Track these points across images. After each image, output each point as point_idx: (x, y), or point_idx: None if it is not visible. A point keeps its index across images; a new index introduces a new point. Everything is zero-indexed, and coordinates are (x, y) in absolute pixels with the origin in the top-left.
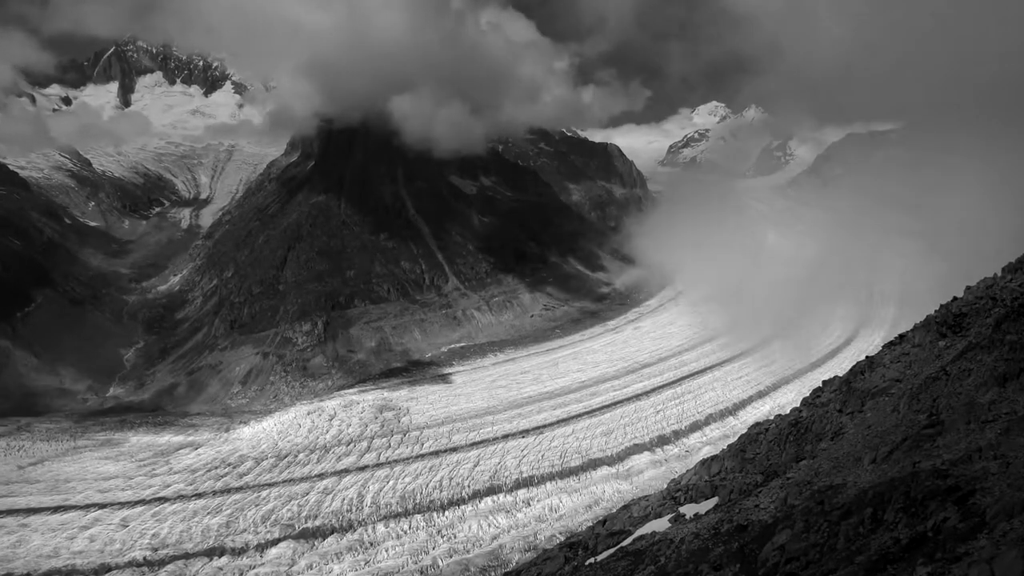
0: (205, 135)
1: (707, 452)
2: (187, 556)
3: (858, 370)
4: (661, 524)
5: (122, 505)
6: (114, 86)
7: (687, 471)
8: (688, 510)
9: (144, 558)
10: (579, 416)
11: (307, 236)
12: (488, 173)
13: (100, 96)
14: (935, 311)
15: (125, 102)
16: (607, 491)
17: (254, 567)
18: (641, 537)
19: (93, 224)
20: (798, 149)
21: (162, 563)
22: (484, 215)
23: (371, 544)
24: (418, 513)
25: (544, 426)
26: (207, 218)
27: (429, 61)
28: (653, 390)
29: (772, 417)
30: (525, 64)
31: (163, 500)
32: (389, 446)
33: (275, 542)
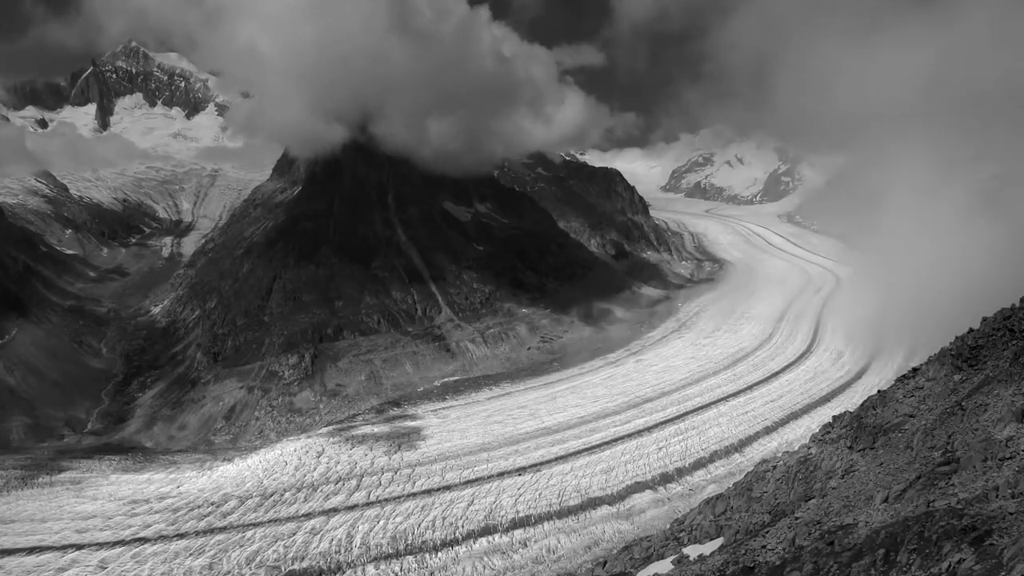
0: (187, 159)
1: (712, 491)
2: None
3: (870, 405)
4: (664, 566)
5: (100, 546)
6: (92, 108)
7: (691, 510)
8: (692, 551)
9: None
10: (578, 453)
11: (294, 265)
12: (483, 199)
13: (78, 118)
14: (950, 343)
15: (103, 124)
16: (607, 531)
17: None
18: None
19: (70, 252)
20: (807, 173)
21: None
22: (479, 243)
23: None
24: (410, 554)
25: (541, 463)
26: (189, 246)
27: (420, 78)
28: (655, 426)
29: (780, 454)
30: (523, 80)
31: (143, 540)
32: (379, 484)
33: None
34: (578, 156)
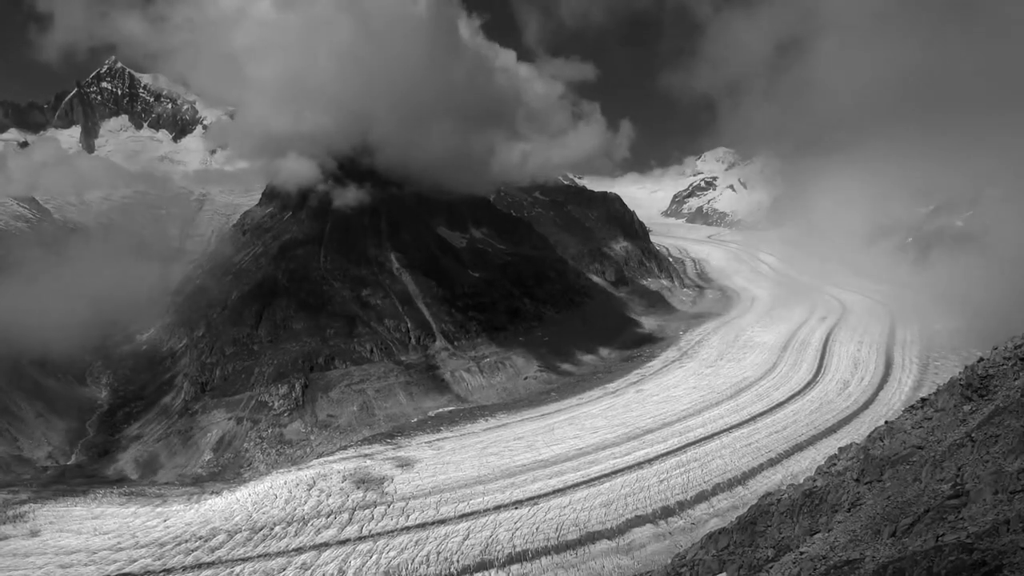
0: (175, 182)
1: (714, 524)
2: None
3: (877, 436)
4: None
5: None
6: (76, 130)
7: (693, 545)
8: None
9: None
10: (576, 486)
11: (284, 292)
12: (479, 224)
13: (62, 141)
14: (960, 373)
15: (89, 147)
16: (607, 566)
17: None
18: None
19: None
20: (813, 197)
21: None
22: (474, 269)
23: None
24: None
25: (539, 496)
26: (176, 272)
27: (417, 96)
28: (656, 458)
29: (784, 487)
30: (524, 99)
31: None
32: (372, 518)
33: None
34: (576, 180)
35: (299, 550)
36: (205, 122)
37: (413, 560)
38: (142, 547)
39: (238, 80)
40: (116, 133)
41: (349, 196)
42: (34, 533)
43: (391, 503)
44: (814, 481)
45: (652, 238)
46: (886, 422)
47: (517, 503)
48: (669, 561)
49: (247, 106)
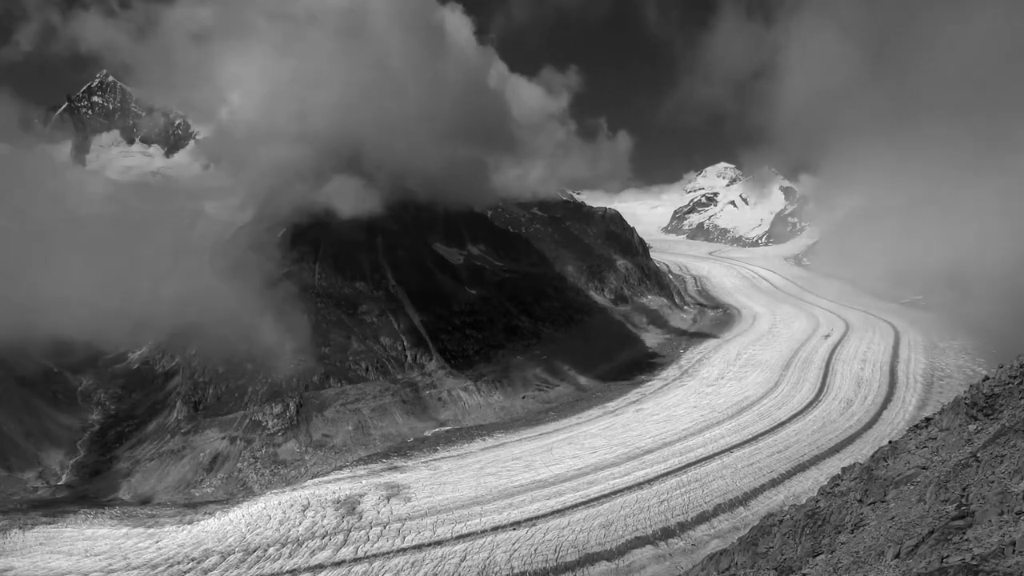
0: (167, 198)
1: (715, 546)
2: None
3: (880, 456)
4: None
5: None
6: (67, 145)
7: (693, 567)
8: None
9: None
10: (575, 506)
11: (277, 310)
12: (476, 240)
13: (52, 155)
14: (964, 392)
15: (80, 163)
16: None
17: None
18: None
19: None
20: (816, 214)
21: None
22: (471, 286)
23: None
24: None
25: (537, 517)
26: (169, 290)
27: (416, 111)
28: (656, 478)
29: (787, 507)
30: (523, 113)
31: None
32: (368, 539)
33: None
34: (575, 196)
35: (294, 572)
36: (198, 137)
37: None
38: (134, 569)
39: (219, 93)
40: (108, 148)
41: (344, 211)
42: (24, 554)
43: (387, 524)
44: (816, 502)
45: (652, 255)
46: (890, 442)
47: (515, 524)
48: None
49: (232, 115)
